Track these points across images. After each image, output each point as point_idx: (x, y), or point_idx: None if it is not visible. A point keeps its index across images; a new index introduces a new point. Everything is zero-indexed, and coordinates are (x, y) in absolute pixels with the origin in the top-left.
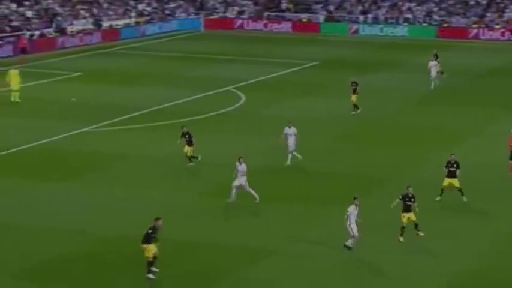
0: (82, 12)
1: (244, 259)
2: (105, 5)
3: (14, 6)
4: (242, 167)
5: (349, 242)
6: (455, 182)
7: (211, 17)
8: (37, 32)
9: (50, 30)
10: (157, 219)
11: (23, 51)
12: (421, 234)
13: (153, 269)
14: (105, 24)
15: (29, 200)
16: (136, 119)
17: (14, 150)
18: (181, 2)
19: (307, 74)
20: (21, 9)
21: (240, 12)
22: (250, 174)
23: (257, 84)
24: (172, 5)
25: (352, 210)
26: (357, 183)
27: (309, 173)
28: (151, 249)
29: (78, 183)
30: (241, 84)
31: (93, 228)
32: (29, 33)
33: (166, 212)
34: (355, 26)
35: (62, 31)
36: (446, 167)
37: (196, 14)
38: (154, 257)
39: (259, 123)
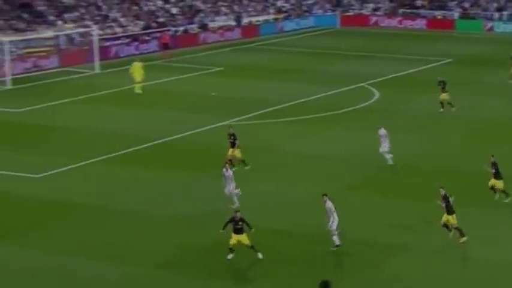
0: (223, 9)
1: (379, 254)
2: (245, 2)
3: (160, 3)
4: (229, 173)
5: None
6: (499, 183)
7: (347, 13)
8: (181, 28)
9: (193, 26)
10: (236, 211)
11: (166, 46)
12: None
13: (230, 255)
14: (245, 20)
15: (170, 191)
16: (275, 114)
17: (160, 141)
18: None
19: (441, 71)
20: (167, 6)
21: (375, 9)
22: (391, 170)
23: (391, 81)
24: (310, 1)
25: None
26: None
27: (438, 170)
28: (234, 238)
29: (216, 174)
30: (375, 80)
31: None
32: (173, 29)
33: (309, 205)
34: (490, 23)
35: (204, 27)
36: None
37: (333, 10)
38: (250, 246)
39: (392, 120)
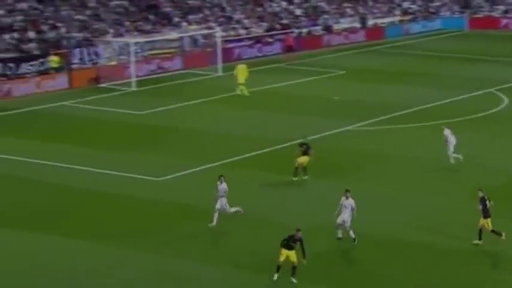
0: (348, 10)
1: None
2: (371, 3)
3: (284, 4)
4: (222, 187)
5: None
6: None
7: (476, 15)
8: (304, 30)
9: (317, 28)
10: (297, 230)
11: (289, 49)
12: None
13: (276, 275)
14: (370, 22)
15: (283, 196)
16: (400, 119)
17: (281, 146)
18: (446, 1)
19: None
20: (291, 7)
21: (506, 11)
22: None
23: None
24: (437, 3)
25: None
26: None
27: None
28: (283, 253)
29: (339, 181)
30: (504, 86)
31: (355, 227)
32: (297, 31)
33: (430, 214)
34: None
35: (328, 29)
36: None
37: (461, 12)
38: (293, 266)
39: None
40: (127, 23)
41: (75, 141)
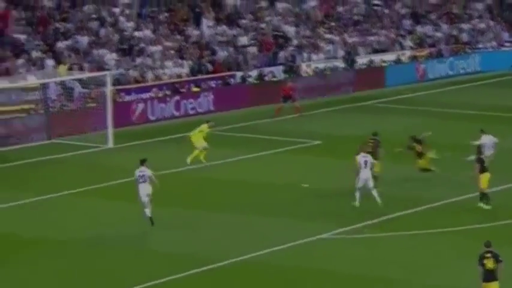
0: (325, 39)
1: None
2: (364, 27)
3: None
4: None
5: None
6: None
7: None
8: (252, 73)
9: (277, 69)
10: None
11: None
12: None
13: None
14: (361, 60)
15: None
16: None
17: None
18: (490, 24)
19: None
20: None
21: None
22: None
23: None
24: (476, 25)
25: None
26: None
27: None
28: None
29: None
30: None
31: None
32: (239, 74)
33: None
34: None
35: (293, 70)
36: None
37: None
38: None
39: None
40: None
41: None
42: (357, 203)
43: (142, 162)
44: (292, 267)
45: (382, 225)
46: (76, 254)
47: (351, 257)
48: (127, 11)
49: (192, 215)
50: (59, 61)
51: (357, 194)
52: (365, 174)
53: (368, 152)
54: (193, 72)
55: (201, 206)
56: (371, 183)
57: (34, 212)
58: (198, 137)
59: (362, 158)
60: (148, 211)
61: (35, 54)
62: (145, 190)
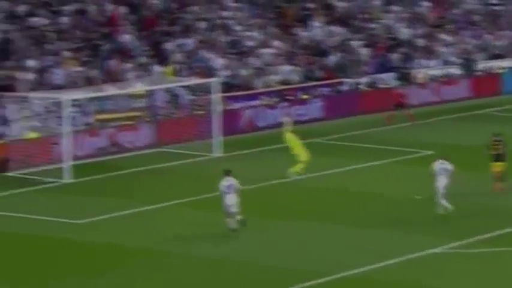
0: (439, 41)
1: None
2: (482, 25)
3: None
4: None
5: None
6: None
7: None
8: (363, 79)
9: (388, 76)
10: None
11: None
12: None
13: None
14: (480, 65)
15: None
16: None
17: None
18: None
19: None
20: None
21: None
22: None
23: None
24: None
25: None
26: None
27: None
28: None
29: None
30: None
31: None
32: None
33: None
34: None
35: (404, 77)
36: None
37: None
38: None
39: None
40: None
41: None
42: (450, 206)
43: (228, 173)
44: (410, 282)
45: (497, 239)
46: (175, 266)
47: (469, 273)
48: (237, 14)
49: (298, 226)
50: (165, 63)
51: (443, 201)
52: (443, 182)
53: (498, 155)
54: (303, 78)
55: (307, 217)
56: (444, 191)
57: (139, 222)
58: (294, 142)
59: (439, 165)
60: (233, 221)
61: (142, 59)
62: (231, 201)
